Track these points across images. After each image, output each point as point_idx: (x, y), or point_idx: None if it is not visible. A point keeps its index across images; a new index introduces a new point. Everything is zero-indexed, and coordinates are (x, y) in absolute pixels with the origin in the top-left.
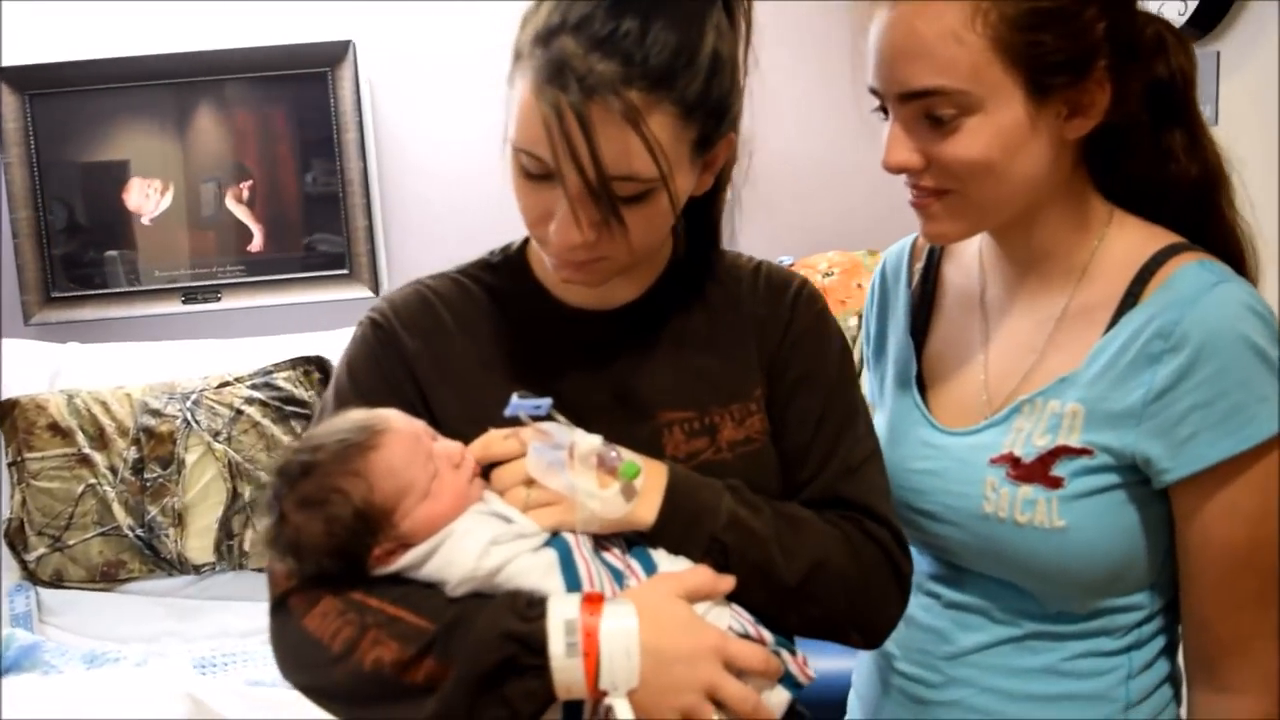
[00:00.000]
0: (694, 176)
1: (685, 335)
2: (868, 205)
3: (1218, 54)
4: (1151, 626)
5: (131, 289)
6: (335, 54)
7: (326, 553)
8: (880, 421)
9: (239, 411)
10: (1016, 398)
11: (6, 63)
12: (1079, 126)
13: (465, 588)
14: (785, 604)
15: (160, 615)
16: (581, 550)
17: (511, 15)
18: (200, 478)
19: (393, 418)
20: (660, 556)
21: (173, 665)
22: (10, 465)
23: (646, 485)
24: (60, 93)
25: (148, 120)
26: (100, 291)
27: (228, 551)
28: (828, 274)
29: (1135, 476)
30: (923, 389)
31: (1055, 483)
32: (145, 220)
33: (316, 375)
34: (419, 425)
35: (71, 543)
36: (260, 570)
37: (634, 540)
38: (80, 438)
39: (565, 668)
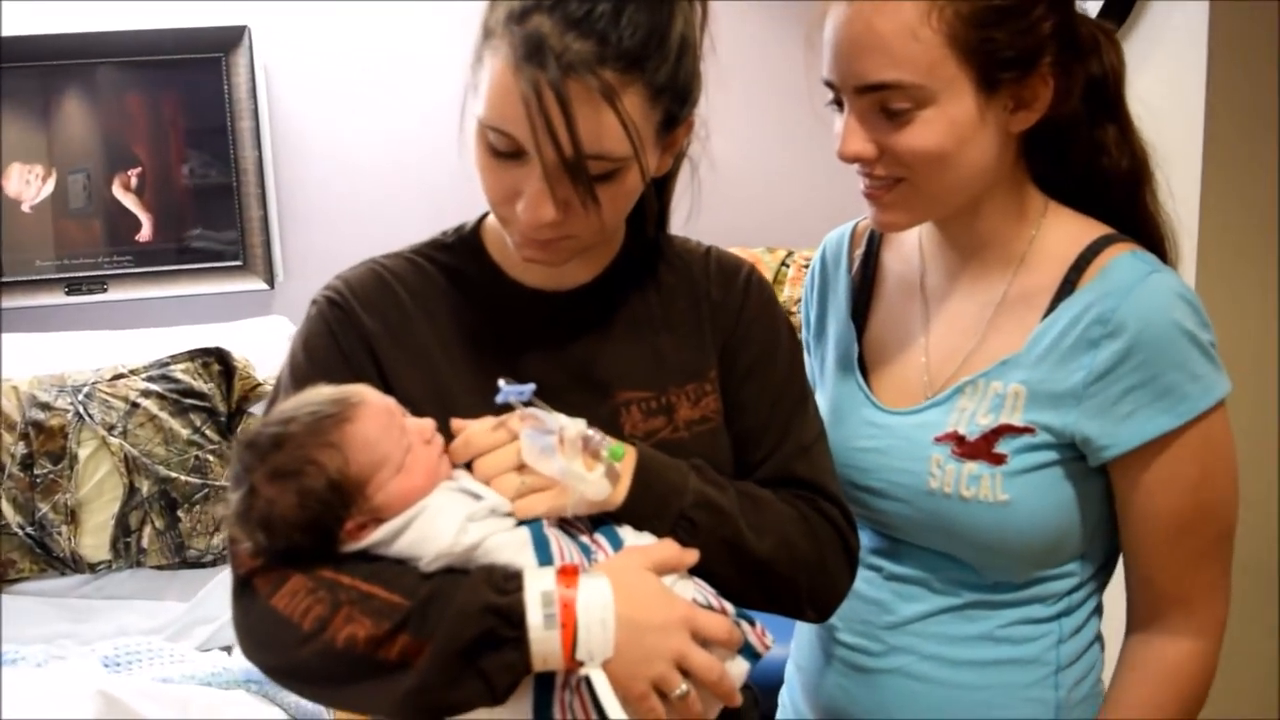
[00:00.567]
0: (657, 158)
1: (641, 316)
2: (767, 203)
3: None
4: (1081, 594)
5: (11, 279)
6: (230, 39)
7: (298, 526)
8: (822, 402)
9: (135, 404)
10: (959, 379)
11: None
12: (1024, 120)
13: (440, 563)
14: (747, 579)
15: (54, 616)
16: (552, 526)
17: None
18: (94, 473)
19: (365, 391)
20: (625, 532)
21: (82, 663)
22: None
23: (621, 467)
24: None
25: (28, 103)
26: None
27: (125, 549)
28: None
29: (1073, 454)
30: (864, 371)
31: (999, 459)
32: (25, 208)
33: (217, 367)
34: (390, 400)
35: None
36: (160, 568)
37: (598, 518)
38: None
39: (543, 639)
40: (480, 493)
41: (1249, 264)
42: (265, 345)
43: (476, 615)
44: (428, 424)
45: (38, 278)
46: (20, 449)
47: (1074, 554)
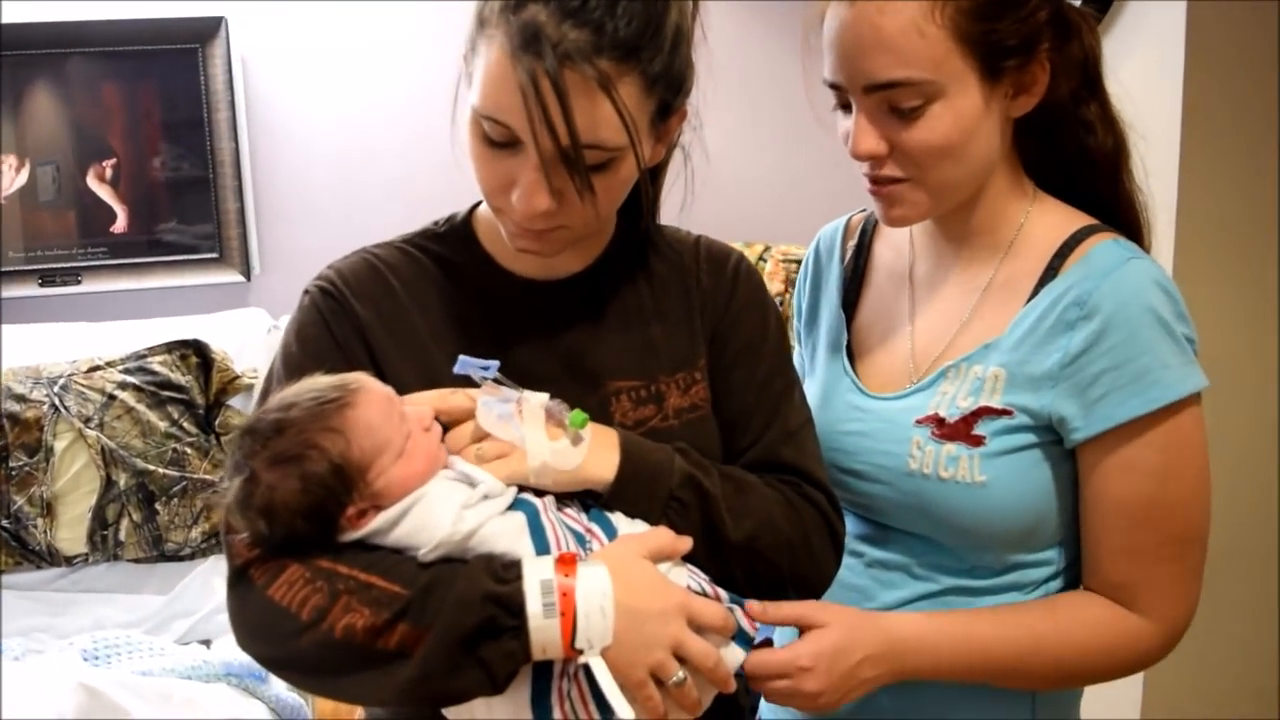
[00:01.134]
0: (651, 147)
1: (631, 306)
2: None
3: None
4: (1058, 584)
5: None
6: (206, 30)
7: (300, 512)
8: (811, 387)
9: (112, 396)
10: (942, 363)
11: None
12: (1023, 104)
13: (439, 551)
14: (733, 562)
15: (30, 610)
16: (548, 513)
17: None
18: (70, 465)
19: (364, 378)
20: (618, 519)
21: (62, 656)
22: None
23: (602, 444)
24: None
25: (1, 94)
26: None
27: (101, 542)
28: None
29: (1050, 436)
30: (852, 357)
31: (977, 441)
32: None
33: (195, 359)
34: (388, 388)
35: None
36: (137, 561)
37: (590, 505)
38: None
39: (543, 628)
40: (475, 476)
41: (1226, 254)
42: (243, 338)
43: (476, 604)
44: (426, 411)
45: (10, 269)
46: None
47: (1051, 540)
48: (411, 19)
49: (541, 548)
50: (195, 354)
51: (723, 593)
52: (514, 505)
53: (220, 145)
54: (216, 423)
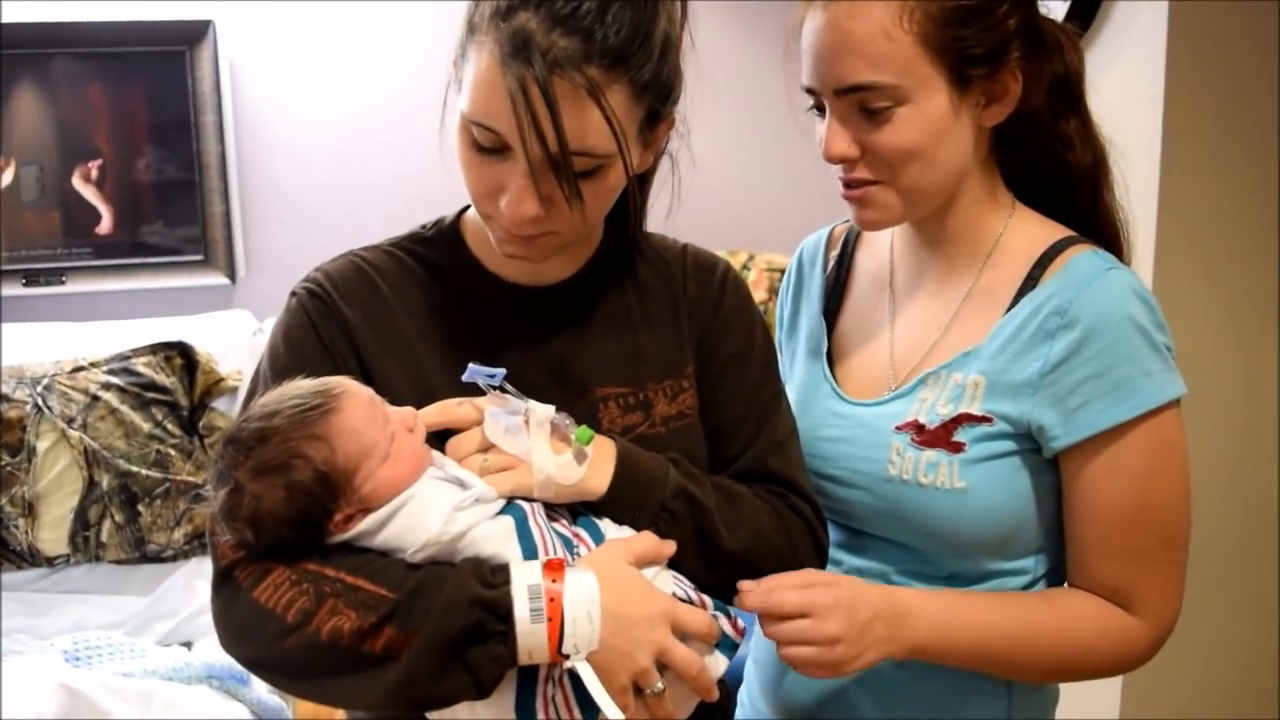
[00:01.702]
0: (639, 155)
1: (619, 312)
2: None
3: None
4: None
5: None
6: (194, 33)
7: (286, 521)
8: (790, 393)
9: (95, 397)
10: (921, 371)
11: None
12: (995, 114)
13: (426, 553)
14: (723, 572)
15: (10, 610)
16: (536, 518)
17: None
18: (53, 466)
19: (347, 382)
20: (606, 525)
21: (44, 657)
22: None
23: (598, 455)
24: None
25: None
26: None
27: (83, 543)
28: None
29: (1029, 444)
30: (832, 363)
31: (957, 447)
32: None
33: (179, 361)
34: (371, 391)
35: None
36: (119, 562)
37: (579, 511)
38: None
39: (530, 632)
40: (466, 480)
41: (1206, 268)
42: (227, 340)
43: (464, 608)
44: (409, 412)
45: None
46: None
47: (1029, 547)
48: (400, 24)
49: (529, 552)
50: (180, 356)
51: (708, 600)
52: (502, 509)
53: (207, 148)
54: (200, 425)
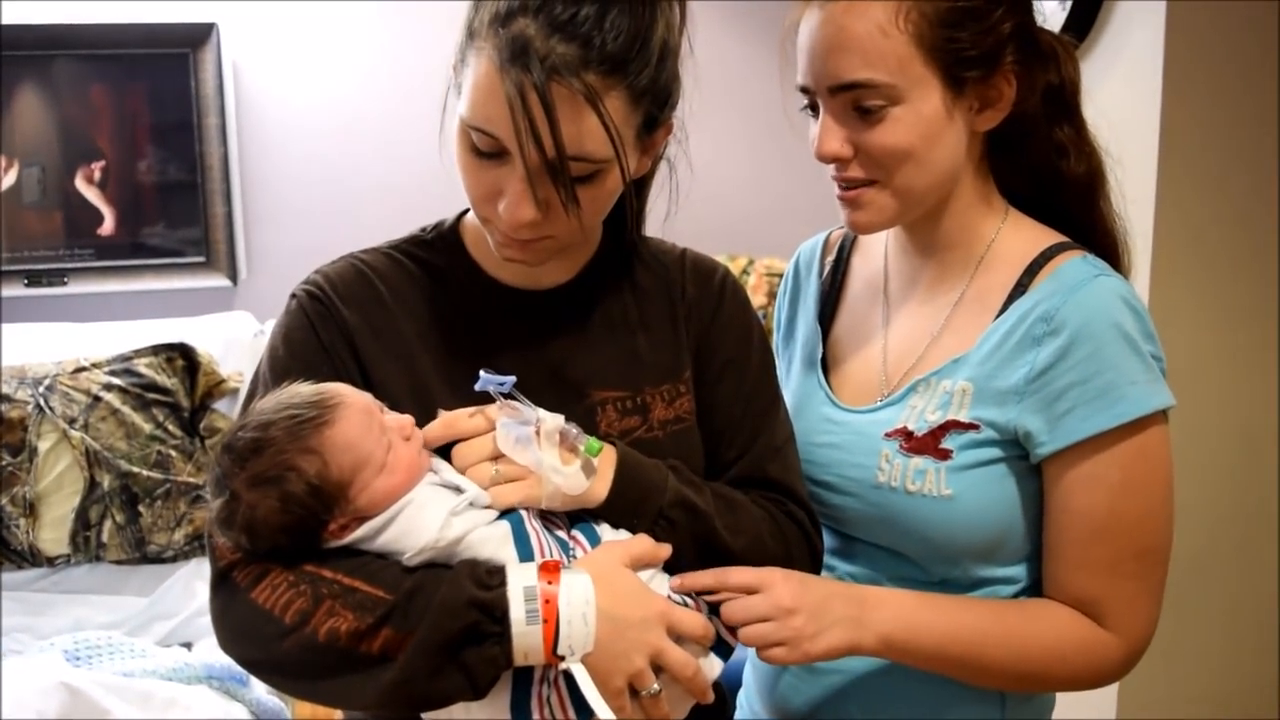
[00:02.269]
0: (636, 160)
1: (617, 316)
2: (729, 212)
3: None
4: (1025, 598)
5: None
6: (197, 36)
7: (281, 530)
8: (786, 400)
9: (97, 398)
10: (913, 378)
11: None
12: (989, 119)
13: (423, 557)
14: None
15: (10, 610)
16: (532, 521)
17: None
18: (54, 466)
19: (343, 391)
20: (603, 529)
21: (44, 656)
22: None
23: (599, 462)
24: None
25: None
26: None
27: (84, 543)
28: None
29: (1016, 451)
30: (827, 370)
31: (944, 454)
32: None
33: (180, 362)
34: (368, 398)
35: None
36: (119, 563)
37: (576, 515)
38: None
39: (525, 634)
40: (461, 485)
41: (1203, 277)
42: (228, 341)
43: (460, 609)
44: (406, 420)
45: None
46: None
47: (1018, 555)
48: (401, 27)
49: (525, 555)
50: (181, 357)
51: (703, 603)
52: (501, 514)
53: (209, 150)
54: (201, 426)
